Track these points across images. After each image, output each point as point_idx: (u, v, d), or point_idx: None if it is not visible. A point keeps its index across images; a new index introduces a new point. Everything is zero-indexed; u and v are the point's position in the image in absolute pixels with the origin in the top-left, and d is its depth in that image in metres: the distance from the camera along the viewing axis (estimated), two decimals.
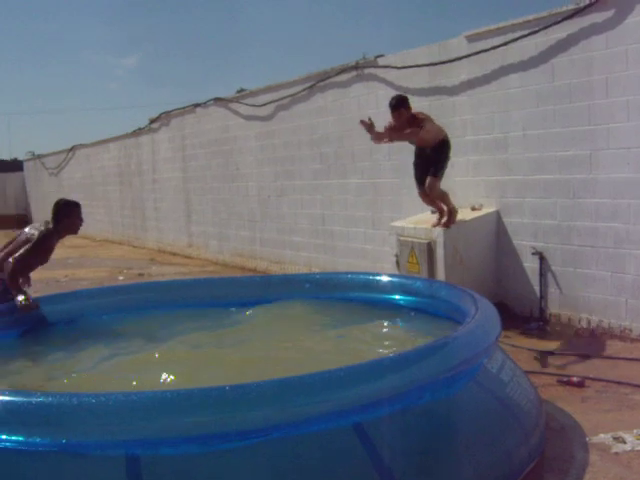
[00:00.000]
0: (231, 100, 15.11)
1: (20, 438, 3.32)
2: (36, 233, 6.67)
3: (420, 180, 8.63)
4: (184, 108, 17.21)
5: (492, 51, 8.61)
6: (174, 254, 17.90)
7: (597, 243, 7.67)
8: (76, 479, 3.30)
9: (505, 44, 8.45)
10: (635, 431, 4.88)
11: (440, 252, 8.42)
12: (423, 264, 8.58)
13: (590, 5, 7.52)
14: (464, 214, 8.76)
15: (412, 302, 6.77)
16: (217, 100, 15.58)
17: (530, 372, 6.01)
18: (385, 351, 5.70)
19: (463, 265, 8.48)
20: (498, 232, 8.75)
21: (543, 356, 6.97)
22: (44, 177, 29.82)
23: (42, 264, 6.89)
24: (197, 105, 16.50)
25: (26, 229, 6.87)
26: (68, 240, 8.79)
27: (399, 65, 10.12)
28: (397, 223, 9.49)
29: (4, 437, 3.32)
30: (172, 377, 4.88)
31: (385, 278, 7.36)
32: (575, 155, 7.81)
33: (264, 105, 13.55)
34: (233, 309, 7.21)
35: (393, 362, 4.04)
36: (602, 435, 4.83)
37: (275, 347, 5.92)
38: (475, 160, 9.06)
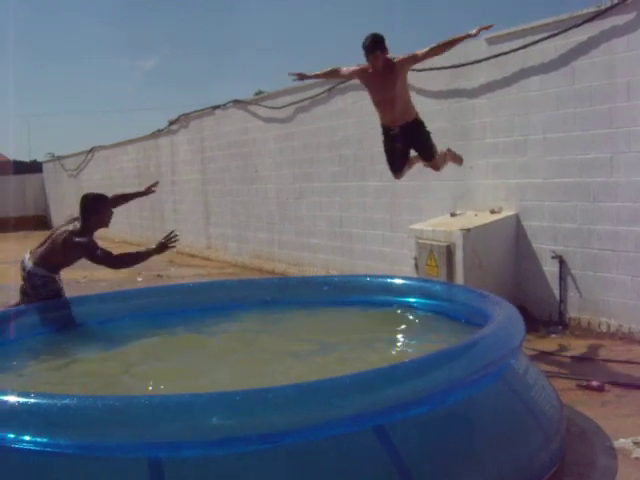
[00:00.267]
0: (250, 102, 15.14)
1: (44, 440, 3.34)
2: (66, 233, 6.60)
3: (397, 166, 7.78)
4: (203, 110, 17.25)
5: (512, 54, 8.59)
6: (193, 256, 17.93)
7: (617, 247, 7.63)
8: None
9: (525, 47, 8.42)
10: None
11: (459, 255, 8.40)
12: (442, 267, 8.56)
13: (611, 8, 7.48)
14: (483, 217, 8.74)
15: (432, 305, 6.76)
16: (236, 102, 15.61)
17: (550, 376, 5.97)
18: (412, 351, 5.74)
19: (482, 268, 8.45)
20: (517, 235, 8.72)
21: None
22: (63, 178, 29.95)
23: (72, 263, 6.89)
24: (216, 107, 16.54)
25: (62, 228, 6.80)
26: None
27: (419, 67, 10.08)
28: (416, 226, 9.47)
29: (28, 439, 3.34)
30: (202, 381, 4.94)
31: (404, 281, 7.35)
32: (596, 158, 7.78)
33: (283, 107, 13.57)
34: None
35: (417, 365, 4.05)
36: (622, 440, 4.79)
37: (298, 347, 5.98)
38: (495, 163, 9.04)
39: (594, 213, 7.85)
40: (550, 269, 8.35)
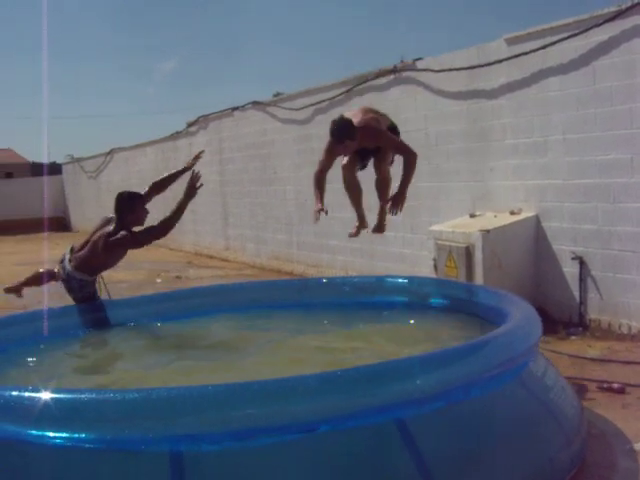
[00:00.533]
0: (269, 104, 15.14)
1: (65, 434, 3.36)
2: (104, 237, 6.59)
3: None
4: (222, 112, 17.27)
5: (532, 54, 8.54)
6: (211, 257, 17.96)
7: (638, 248, 7.57)
8: (120, 475, 3.33)
9: (545, 47, 8.37)
10: None
11: (478, 256, 8.37)
12: (461, 268, 8.53)
13: (632, 7, 7.43)
14: (503, 218, 8.71)
15: (451, 305, 6.75)
16: (255, 104, 15.62)
17: (570, 378, 5.94)
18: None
19: (502, 270, 8.42)
20: (537, 237, 8.67)
21: None
22: (82, 180, 30.07)
23: (115, 264, 6.94)
24: (235, 109, 16.55)
25: (99, 231, 6.76)
26: None
27: (437, 68, 10.07)
28: (435, 227, 9.45)
29: (51, 434, 3.35)
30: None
31: (423, 281, 7.36)
32: (616, 159, 7.73)
33: (302, 109, 13.56)
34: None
35: (436, 358, 4.05)
36: None
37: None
38: (514, 164, 9.00)
39: (614, 214, 7.80)
40: (570, 270, 8.31)
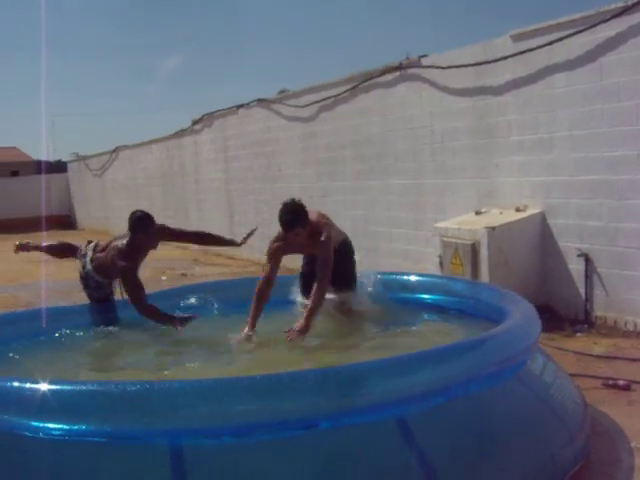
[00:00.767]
0: (274, 101, 15.12)
1: (65, 427, 3.34)
2: (115, 250, 6.56)
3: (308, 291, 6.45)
4: (227, 109, 17.25)
5: (538, 50, 8.50)
6: (217, 254, 17.94)
7: None
8: (120, 468, 3.31)
9: (551, 43, 8.33)
10: None
11: (484, 253, 8.34)
12: (467, 265, 8.51)
13: (639, 3, 7.39)
14: (508, 215, 8.68)
15: (453, 302, 6.73)
16: (260, 101, 15.59)
17: (575, 375, 5.92)
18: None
19: (507, 266, 8.39)
20: (543, 233, 8.64)
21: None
22: (88, 178, 30.09)
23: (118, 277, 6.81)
24: (240, 106, 16.53)
25: (116, 240, 6.71)
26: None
27: (443, 65, 10.04)
28: (441, 224, 9.42)
29: (51, 426, 3.34)
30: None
31: (423, 278, 7.35)
32: (623, 155, 7.69)
33: (307, 106, 13.53)
34: None
35: (434, 355, 4.04)
36: None
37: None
38: (520, 161, 8.96)
39: (620, 211, 7.76)
40: (576, 267, 8.28)
